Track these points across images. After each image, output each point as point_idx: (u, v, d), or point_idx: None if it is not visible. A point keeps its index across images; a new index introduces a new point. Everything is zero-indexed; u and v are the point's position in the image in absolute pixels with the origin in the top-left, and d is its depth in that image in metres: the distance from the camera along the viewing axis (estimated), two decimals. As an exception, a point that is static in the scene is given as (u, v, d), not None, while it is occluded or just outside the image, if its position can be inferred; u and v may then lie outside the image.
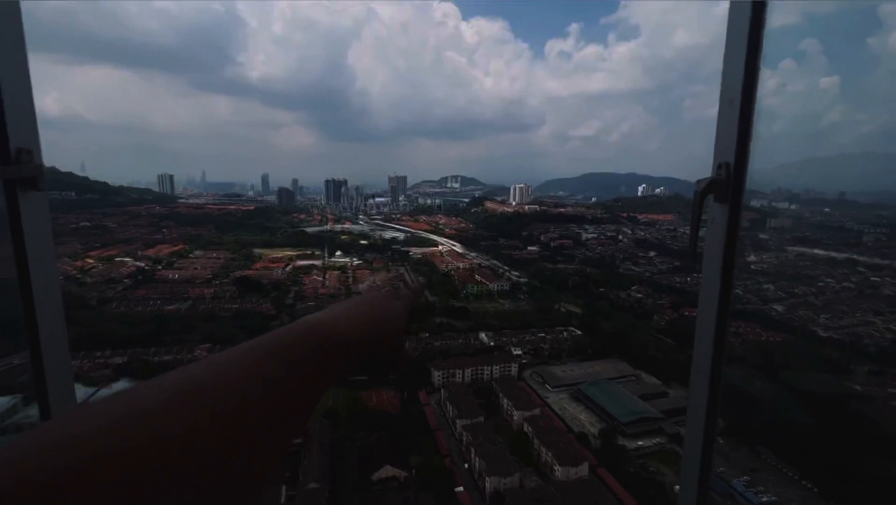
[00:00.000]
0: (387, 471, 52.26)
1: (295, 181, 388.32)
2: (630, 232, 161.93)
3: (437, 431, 62.10)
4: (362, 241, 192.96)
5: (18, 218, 1.53)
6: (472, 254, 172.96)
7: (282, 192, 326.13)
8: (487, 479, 50.58)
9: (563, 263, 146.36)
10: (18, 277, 1.59)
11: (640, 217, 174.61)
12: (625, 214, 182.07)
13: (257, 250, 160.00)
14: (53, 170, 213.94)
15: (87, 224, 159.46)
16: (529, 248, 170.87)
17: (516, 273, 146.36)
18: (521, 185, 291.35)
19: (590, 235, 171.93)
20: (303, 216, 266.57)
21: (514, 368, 77.74)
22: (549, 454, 53.99)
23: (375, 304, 1.02)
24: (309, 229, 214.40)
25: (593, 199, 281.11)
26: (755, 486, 47.49)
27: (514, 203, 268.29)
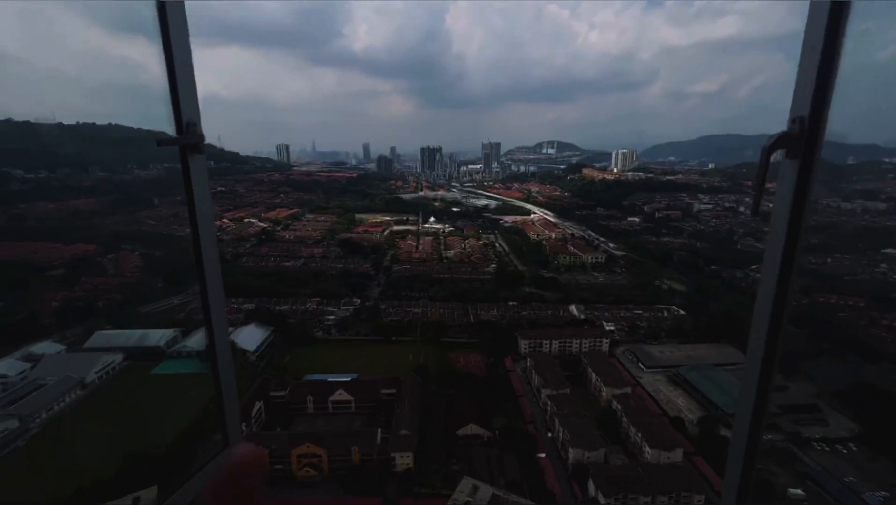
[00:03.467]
0: (471, 428, 54.96)
1: (393, 149, 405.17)
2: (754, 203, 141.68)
3: (521, 397, 63.11)
4: (454, 209, 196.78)
5: (189, 176, 1.99)
6: (565, 223, 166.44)
7: (381, 160, 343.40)
8: (571, 449, 50.53)
9: (668, 237, 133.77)
10: (190, 224, 2.08)
11: (769, 186, 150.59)
12: (749, 183, 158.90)
13: (359, 215, 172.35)
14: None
15: (223, 189, 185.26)
16: (630, 218, 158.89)
17: (613, 245, 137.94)
18: (625, 151, 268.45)
19: (703, 206, 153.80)
20: (399, 183, 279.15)
21: (606, 344, 74.83)
22: (639, 435, 51.87)
23: None
24: (405, 196, 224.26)
25: (710, 165, 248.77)
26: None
27: (615, 170, 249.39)
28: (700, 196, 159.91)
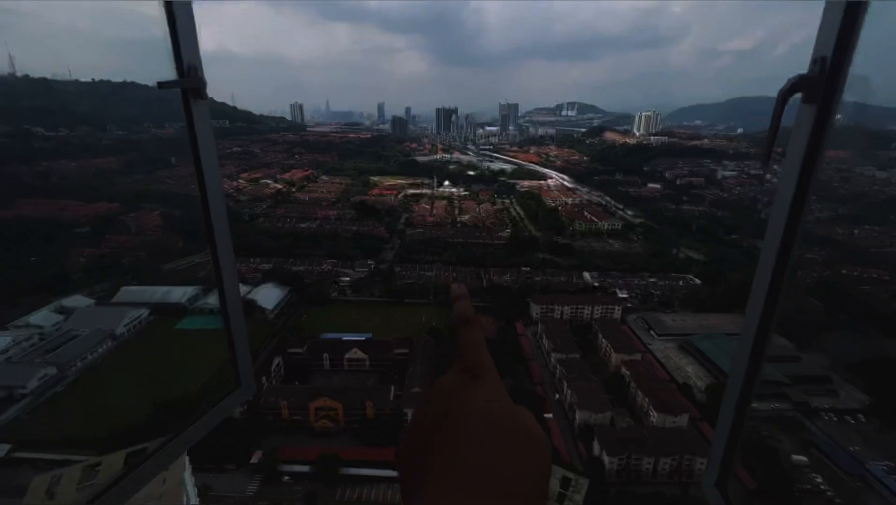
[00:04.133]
0: (481, 388, 56.64)
1: (408, 109, 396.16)
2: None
3: (531, 360, 64.43)
4: (470, 172, 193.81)
5: (192, 123, 1.94)
6: (582, 189, 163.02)
7: (395, 120, 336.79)
8: (578, 411, 51.93)
9: (688, 204, 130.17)
10: (196, 172, 2.04)
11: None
12: (780, 149, 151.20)
13: (373, 178, 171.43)
14: (210, 101, 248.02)
15: (239, 150, 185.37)
16: (650, 185, 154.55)
17: (631, 212, 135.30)
18: (649, 113, 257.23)
19: (728, 173, 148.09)
20: (414, 145, 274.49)
21: (618, 311, 74.99)
22: (646, 400, 52.83)
23: (531, 468, 0.63)
24: (419, 158, 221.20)
25: (739, 129, 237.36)
26: (899, 473, 41.29)
27: (637, 133, 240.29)
28: (725, 163, 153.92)
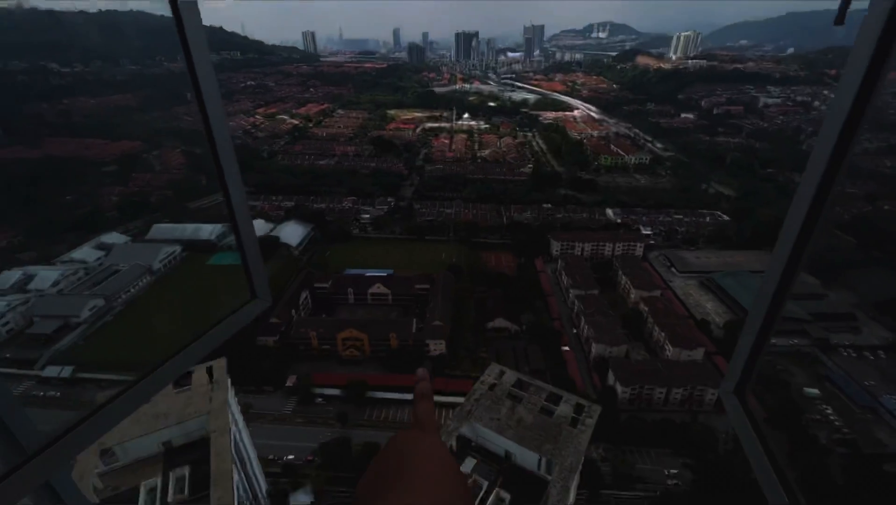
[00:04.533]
0: (500, 322, 58.65)
1: (425, 35, 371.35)
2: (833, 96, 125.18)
3: (549, 296, 65.58)
4: (490, 103, 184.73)
5: (184, 34, 1.85)
6: (610, 120, 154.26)
7: (412, 48, 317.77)
8: (594, 345, 53.57)
9: (724, 136, 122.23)
10: (192, 84, 1.98)
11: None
12: (833, 72, 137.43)
13: (390, 111, 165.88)
14: (221, 30, 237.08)
15: (253, 83, 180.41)
16: (683, 115, 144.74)
17: (660, 145, 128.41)
18: (688, 34, 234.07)
19: (771, 101, 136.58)
20: (432, 75, 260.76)
21: (640, 248, 74.16)
22: (663, 334, 53.83)
23: (439, 477, 0.91)
24: (438, 89, 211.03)
25: (790, 49, 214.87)
26: (912, 406, 41.96)
27: (673, 57, 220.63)
28: (770, 88, 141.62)
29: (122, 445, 15.92)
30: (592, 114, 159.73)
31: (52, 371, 47.29)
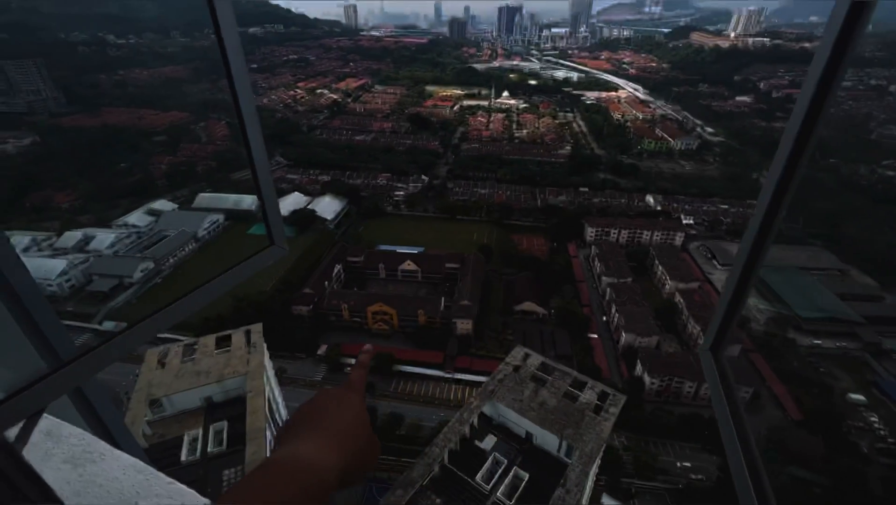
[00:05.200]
0: (528, 305, 58.38)
1: (467, 9, 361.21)
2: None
3: (581, 282, 64.46)
4: (531, 81, 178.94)
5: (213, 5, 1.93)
6: (657, 102, 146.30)
7: (453, 22, 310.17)
8: (624, 334, 52.56)
9: (782, 122, 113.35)
10: (220, 51, 2.07)
11: None
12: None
13: (428, 87, 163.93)
14: (266, 3, 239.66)
15: (294, 57, 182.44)
16: (739, 97, 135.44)
17: (710, 129, 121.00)
18: (752, 9, 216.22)
19: (842, 83, 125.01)
20: (472, 51, 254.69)
21: (679, 238, 71.18)
22: (697, 328, 52.07)
23: (344, 421, 1.07)
24: (477, 66, 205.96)
25: (868, 27, 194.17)
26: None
27: (732, 35, 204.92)
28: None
29: (168, 398, 17.24)
30: (639, 95, 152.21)
31: (108, 325, 51.33)
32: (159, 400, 17.14)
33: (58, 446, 1.22)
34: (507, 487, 15.43)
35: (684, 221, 74.83)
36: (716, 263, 66.51)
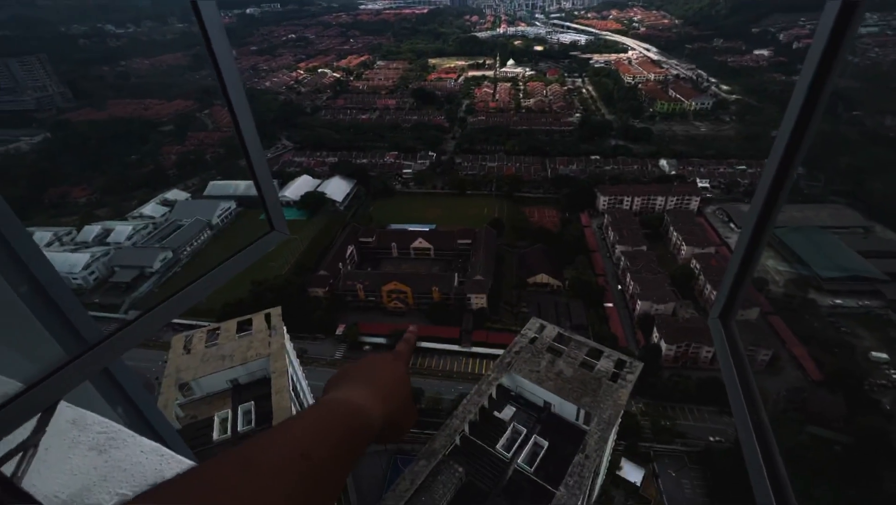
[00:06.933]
0: (542, 277, 58.31)
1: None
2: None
3: (594, 252, 63.93)
4: (537, 47, 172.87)
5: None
6: (670, 61, 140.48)
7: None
8: (639, 302, 52.32)
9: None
10: (201, 34, 2.03)
11: None
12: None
13: (431, 60, 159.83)
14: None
15: (294, 37, 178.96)
16: (756, 51, 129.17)
17: (726, 87, 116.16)
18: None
19: (868, 29, 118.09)
20: (475, 18, 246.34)
21: (695, 202, 69.62)
22: (714, 292, 51.48)
23: (390, 381, 1.18)
24: (480, 34, 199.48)
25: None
26: None
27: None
28: (867, 15, 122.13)
29: (196, 381, 17.87)
30: (650, 55, 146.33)
31: (133, 315, 52.95)
32: (188, 383, 17.80)
33: (83, 434, 1.31)
34: (528, 455, 15.84)
35: (700, 185, 73.04)
36: (733, 226, 65.18)
